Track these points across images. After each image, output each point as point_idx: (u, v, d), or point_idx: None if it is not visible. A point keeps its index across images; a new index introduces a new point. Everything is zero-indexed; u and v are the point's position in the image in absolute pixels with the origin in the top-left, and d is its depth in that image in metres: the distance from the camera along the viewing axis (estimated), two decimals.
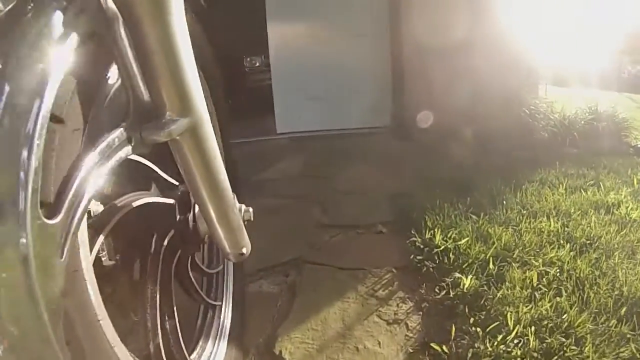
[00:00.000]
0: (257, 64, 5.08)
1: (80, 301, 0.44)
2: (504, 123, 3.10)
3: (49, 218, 0.36)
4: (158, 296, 0.66)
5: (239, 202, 0.77)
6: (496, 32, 3.25)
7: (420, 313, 1.16)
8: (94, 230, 0.55)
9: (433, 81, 3.39)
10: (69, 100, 0.41)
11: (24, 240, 0.32)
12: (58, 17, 0.39)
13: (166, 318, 0.67)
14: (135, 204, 0.63)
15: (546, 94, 3.88)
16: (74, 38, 0.41)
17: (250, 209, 0.79)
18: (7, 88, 0.34)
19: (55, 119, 0.38)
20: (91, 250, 0.51)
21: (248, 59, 5.12)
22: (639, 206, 1.97)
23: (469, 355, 0.96)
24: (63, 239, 0.38)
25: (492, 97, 3.20)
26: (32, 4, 0.38)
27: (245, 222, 0.75)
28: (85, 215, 0.43)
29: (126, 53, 0.49)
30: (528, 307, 1.11)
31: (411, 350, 1.02)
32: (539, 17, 3.66)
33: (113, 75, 0.51)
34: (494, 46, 3.26)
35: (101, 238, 0.55)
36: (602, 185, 2.23)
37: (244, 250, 0.72)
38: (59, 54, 0.39)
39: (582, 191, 2.14)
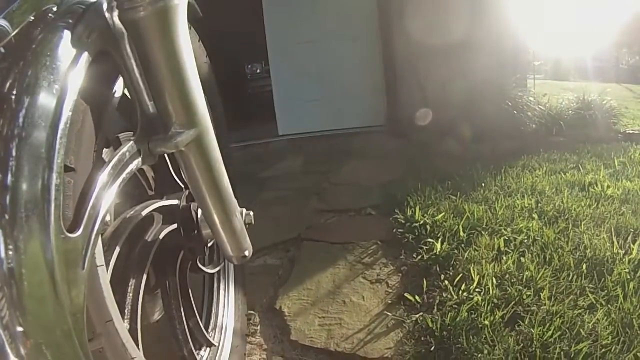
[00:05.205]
0: (258, 71, 5.30)
1: (97, 306, 0.48)
2: (492, 117, 3.24)
3: (71, 232, 0.39)
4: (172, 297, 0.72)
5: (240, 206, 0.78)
6: (486, 29, 3.39)
7: (400, 274, 1.35)
8: (111, 240, 0.59)
9: (424, 79, 3.57)
10: (82, 117, 0.43)
11: (49, 253, 0.35)
12: (67, 37, 0.40)
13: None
14: (146, 211, 0.67)
15: (534, 87, 4.02)
16: (84, 56, 0.42)
17: (251, 213, 0.79)
18: (24, 109, 0.35)
19: (71, 137, 0.40)
20: (110, 259, 0.56)
21: (249, 66, 5.34)
22: (616, 184, 2.05)
23: (437, 302, 1.15)
24: (84, 250, 0.40)
25: (480, 93, 3.34)
26: (41, 25, 0.40)
27: (247, 226, 0.77)
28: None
29: (133, 68, 0.51)
30: (492, 265, 1.29)
31: (390, 302, 1.21)
32: (534, 11, 3.79)
33: (120, 89, 0.54)
34: (483, 43, 3.39)
35: (117, 248, 0.59)
36: (582, 168, 2.36)
37: (246, 253, 0.73)
38: (71, 73, 0.39)
39: (562, 173, 2.28)
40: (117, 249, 0.59)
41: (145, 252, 0.67)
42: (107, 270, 0.52)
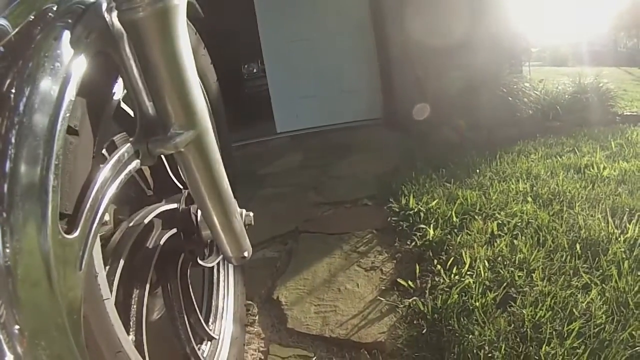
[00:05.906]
0: (255, 70, 5.33)
1: (107, 338, 0.49)
2: (488, 105, 3.24)
3: (68, 233, 0.39)
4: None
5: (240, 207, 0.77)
6: (480, 18, 3.37)
7: (394, 261, 1.37)
8: (114, 253, 0.59)
9: (419, 70, 3.57)
10: (81, 118, 0.44)
11: (46, 255, 0.35)
12: (66, 36, 0.40)
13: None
14: (148, 219, 0.68)
15: (530, 73, 4.00)
16: (82, 57, 0.42)
17: (251, 214, 0.79)
18: (21, 109, 0.35)
19: (70, 137, 0.40)
20: (113, 277, 0.56)
21: (245, 66, 5.36)
22: (612, 165, 2.04)
23: (429, 286, 1.17)
24: (81, 252, 0.40)
25: (475, 82, 3.34)
26: (40, 25, 0.40)
27: (247, 227, 0.76)
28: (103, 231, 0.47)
29: (132, 69, 0.51)
30: (484, 248, 1.31)
31: (383, 288, 1.23)
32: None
33: (119, 90, 0.54)
34: (478, 32, 3.38)
35: (122, 261, 0.59)
36: (578, 151, 2.36)
37: (246, 254, 0.73)
38: (70, 74, 0.40)
39: (558, 157, 2.27)
40: (122, 262, 0.59)
41: (147, 260, 0.68)
42: (112, 295, 0.52)
